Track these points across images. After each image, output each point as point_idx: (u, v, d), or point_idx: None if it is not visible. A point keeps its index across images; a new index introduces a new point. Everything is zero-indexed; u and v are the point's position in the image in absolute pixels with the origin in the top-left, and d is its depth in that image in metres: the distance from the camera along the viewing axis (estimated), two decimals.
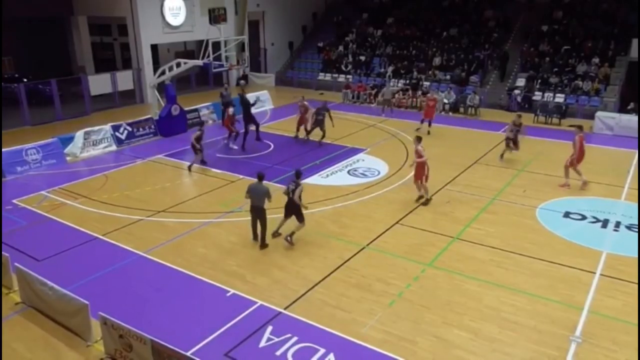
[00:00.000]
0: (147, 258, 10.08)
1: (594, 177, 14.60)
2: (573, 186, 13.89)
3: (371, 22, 31.72)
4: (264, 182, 10.40)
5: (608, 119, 20.10)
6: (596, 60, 24.01)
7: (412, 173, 12.77)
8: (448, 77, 26.17)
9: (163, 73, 19.24)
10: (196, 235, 11.12)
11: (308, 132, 17.98)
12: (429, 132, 18.84)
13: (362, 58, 29.36)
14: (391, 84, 25.83)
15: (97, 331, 7.41)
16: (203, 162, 15.49)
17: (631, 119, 19.72)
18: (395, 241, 10.83)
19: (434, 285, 9.17)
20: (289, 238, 10.40)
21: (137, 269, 9.74)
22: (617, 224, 11.65)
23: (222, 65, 18.57)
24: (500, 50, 26.65)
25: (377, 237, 10.97)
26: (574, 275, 9.52)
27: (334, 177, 14.79)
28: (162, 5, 24.62)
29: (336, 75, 29.26)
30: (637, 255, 10.12)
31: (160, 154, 16.87)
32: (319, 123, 17.40)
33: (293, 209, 10.35)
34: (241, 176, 14.68)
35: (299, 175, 10.42)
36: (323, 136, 17.52)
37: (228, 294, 8.82)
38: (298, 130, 18.33)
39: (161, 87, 19.81)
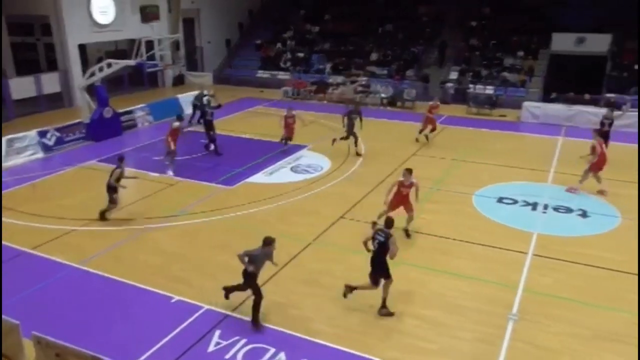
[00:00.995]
0: (84, 270, 9.60)
1: (522, 163, 15.43)
2: (503, 173, 14.58)
3: (308, 18, 31.79)
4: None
5: (534, 108, 21.27)
6: (521, 53, 25.30)
7: (391, 198, 10.66)
8: (385, 71, 26.72)
9: (93, 74, 18.39)
10: (137, 241, 10.74)
11: (339, 139, 16.41)
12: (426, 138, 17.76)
13: (301, 55, 29.39)
14: (350, 81, 25.30)
15: (31, 352, 6.93)
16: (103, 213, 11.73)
17: (555, 107, 20.96)
18: (341, 235, 10.94)
19: None
20: (383, 310, 8.22)
21: (73, 282, 9.26)
22: (545, 206, 12.36)
23: (156, 65, 18.01)
24: (432, 47, 27.51)
25: (323, 232, 11.04)
26: (509, 256, 10.02)
27: (278, 174, 14.73)
28: (88, 3, 23.48)
29: (275, 72, 29.13)
30: (565, 235, 10.83)
31: (93, 160, 16.11)
32: (350, 127, 16.18)
33: (380, 266, 8.17)
34: (181, 179, 14.30)
35: (389, 224, 8.28)
36: (356, 141, 16.37)
37: (173, 301, 8.58)
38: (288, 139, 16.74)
39: (91, 89, 18.92)
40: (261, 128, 19.40)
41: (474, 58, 25.93)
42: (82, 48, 24.41)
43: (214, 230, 11.16)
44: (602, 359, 7.21)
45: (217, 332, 7.73)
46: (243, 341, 7.53)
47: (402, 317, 8.12)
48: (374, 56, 27.80)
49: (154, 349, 7.37)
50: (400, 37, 28.46)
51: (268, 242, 7.86)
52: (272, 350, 7.34)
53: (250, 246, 10.08)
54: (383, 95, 24.22)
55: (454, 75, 25.57)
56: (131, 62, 18.18)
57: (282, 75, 28.63)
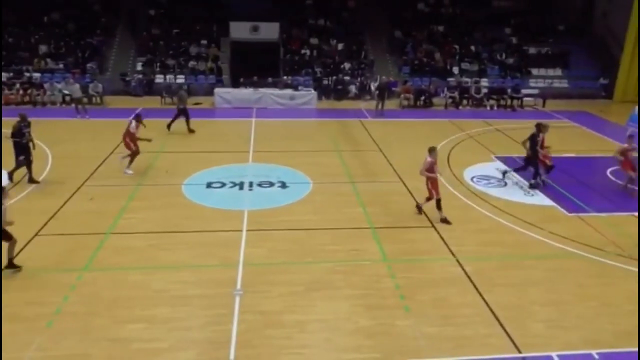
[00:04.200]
0: None
1: (224, 147, 16.19)
2: (207, 160, 15.00)
3: None
4: None
5: (225, 94, 22.57)
6: (204, 41, 26.26)
7: None
8: (61, 65, 23.92)
9: None
10: None
11: None
12: None
13: None
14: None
15: None
16: None
17: (243, 92, 22.65)
18: (39, 255, 9.37)
19: (95, 288, 8.44)
20: None
21: None
22: (251, 184, 13.30)
23: None
24: (112, 38, 25.96)
25: (15, 256, 9.21)
26: (225, 237, 10.41)
27: None
28: None
29: None
30: (271, 206, 11.89)
31: None
32: None
33: None
34: None
35: None
36: None
37: None
38: None
39: None
40: None
41: (159, 48, 25.63)
42: None
43: None
44: (316, 306, 8.21)
45: None
46: None
47: (128, 324, 7.53)
48: (43, 48, 24.51)
49: None
50: (71, 28, 25.80)
51: None
52: None
53: None
54: (66, 92, 21.61)
55: (139, 66, 24.78)
56: None
57: None
